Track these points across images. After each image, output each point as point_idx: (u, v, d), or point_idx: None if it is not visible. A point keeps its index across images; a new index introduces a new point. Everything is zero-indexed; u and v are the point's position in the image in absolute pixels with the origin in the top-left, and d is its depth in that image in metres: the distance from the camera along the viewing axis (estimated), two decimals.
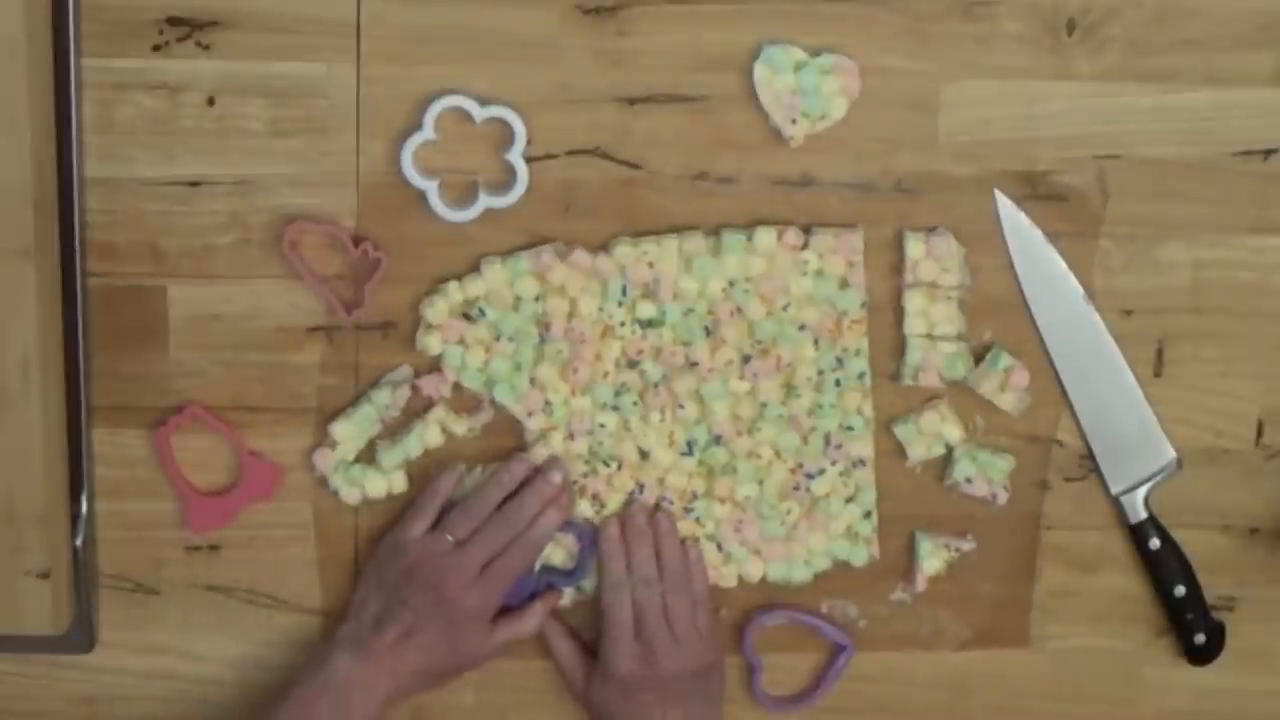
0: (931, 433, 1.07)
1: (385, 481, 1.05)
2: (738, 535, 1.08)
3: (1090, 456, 1.09)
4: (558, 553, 1.07)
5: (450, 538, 1.03)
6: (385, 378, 1.05)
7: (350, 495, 1.05)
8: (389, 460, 1.05)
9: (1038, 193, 1.05)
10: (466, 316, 1.03)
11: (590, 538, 1.07)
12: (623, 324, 1.04)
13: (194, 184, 1.01)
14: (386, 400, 1.04)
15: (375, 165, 1.02)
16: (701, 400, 1.05)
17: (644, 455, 1.06)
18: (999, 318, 1.07)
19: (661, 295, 1.03)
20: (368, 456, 1.06)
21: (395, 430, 1.05)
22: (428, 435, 1.05)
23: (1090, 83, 1.04)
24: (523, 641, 1.07)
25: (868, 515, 1.08)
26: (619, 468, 1.06)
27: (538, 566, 1.06)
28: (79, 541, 1.04)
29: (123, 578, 1.07)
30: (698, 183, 1.04)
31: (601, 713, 1.06)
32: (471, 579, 1.02)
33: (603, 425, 1.05)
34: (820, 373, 1.05)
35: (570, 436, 1.05)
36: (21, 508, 0.99)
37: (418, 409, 1.05)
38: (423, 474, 1.06)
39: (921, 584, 1.09)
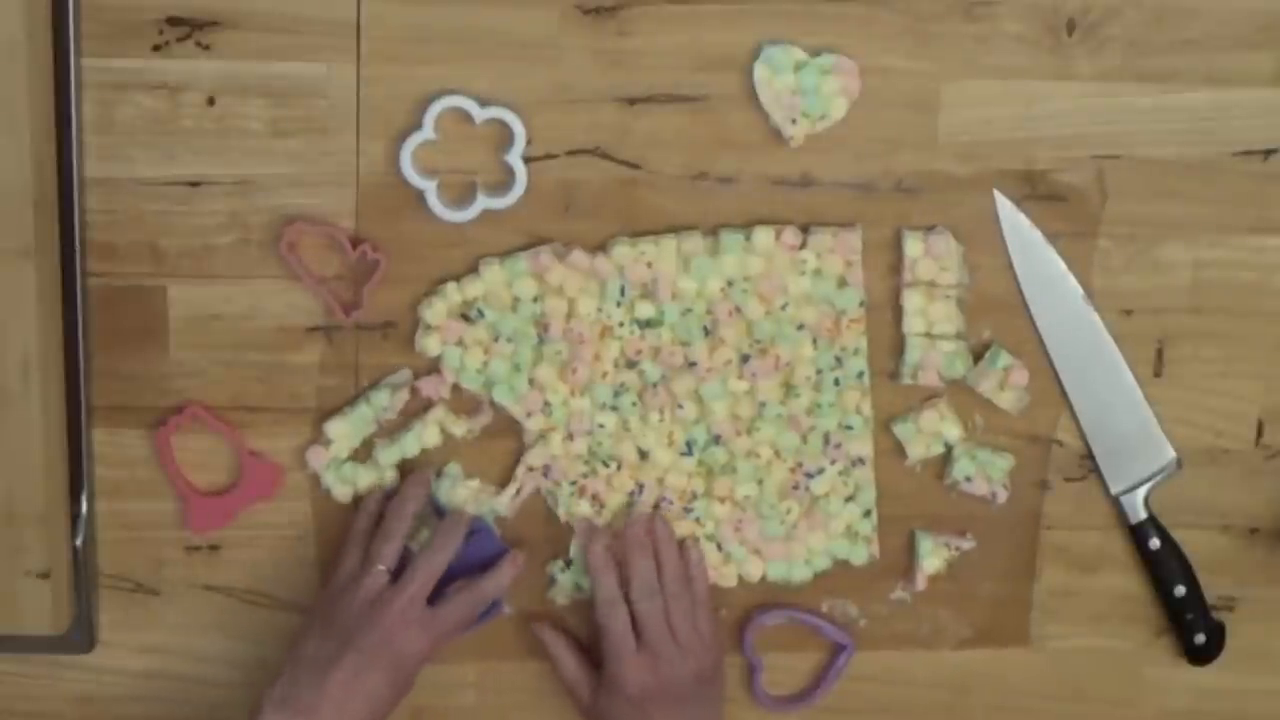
0: (931, 431, 1.07)
1: (378, 476, 1.05)
2: (737, 535, 1.08)
3: (1090, 456, 1.09)
4: None
5: (383, 567, 1.01)
6: (385, 380, 1.05)
7: (342, 493, 1.05)
8: (386, 458, 1.05)
9: (1037, 192, 1.05)
10: (465, 317, 1.03)
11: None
12: (621, 324, 1.04)
13: (194, 184, 1.01)
14: (385, 402, 1.04)
15: (375, 165, 1.02)
16: (700, 400, 1.05)
17: (643, 455, 1.06)
18: (998, 317, 1.07)
19: (660, 295, 1.03)
20: (361, 455, 1.06)
21: (394, 430, 1.05)
22: (426, 435, 1.05)
23: (1090, 83, 1.04)
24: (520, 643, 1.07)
25: (867, 514, 1.08)
26: (618, 468, 1.06)
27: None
28: (79, 541, 1.04)
29: (123, 578, 1.07)
30: (698, 183, 1.04)
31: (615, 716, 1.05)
32: (414, 617, 1.00)
33: (602, 425, 1.05)
34: (819, 372, 1.05)
35: (569, 437, 1.05)
36: (21, 508, 0.99)
37: (417, 410, 1.05)
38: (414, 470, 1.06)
39: (921, 583, 1.09)
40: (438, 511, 1.05)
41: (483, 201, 1.02)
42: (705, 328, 1.04)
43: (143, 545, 1.07)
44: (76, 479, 1.03)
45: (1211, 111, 1.05)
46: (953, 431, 1.07)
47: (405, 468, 1.06)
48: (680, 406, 1.05)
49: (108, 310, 1.03)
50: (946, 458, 1.08)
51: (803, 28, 1.02)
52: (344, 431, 1.04)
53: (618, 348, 1.04)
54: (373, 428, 1.05)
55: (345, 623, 0.99)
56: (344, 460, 1.05)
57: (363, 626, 0.99)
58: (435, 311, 1.03)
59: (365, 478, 1.05)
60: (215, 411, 1.04)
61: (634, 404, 1.05)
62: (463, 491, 1.06)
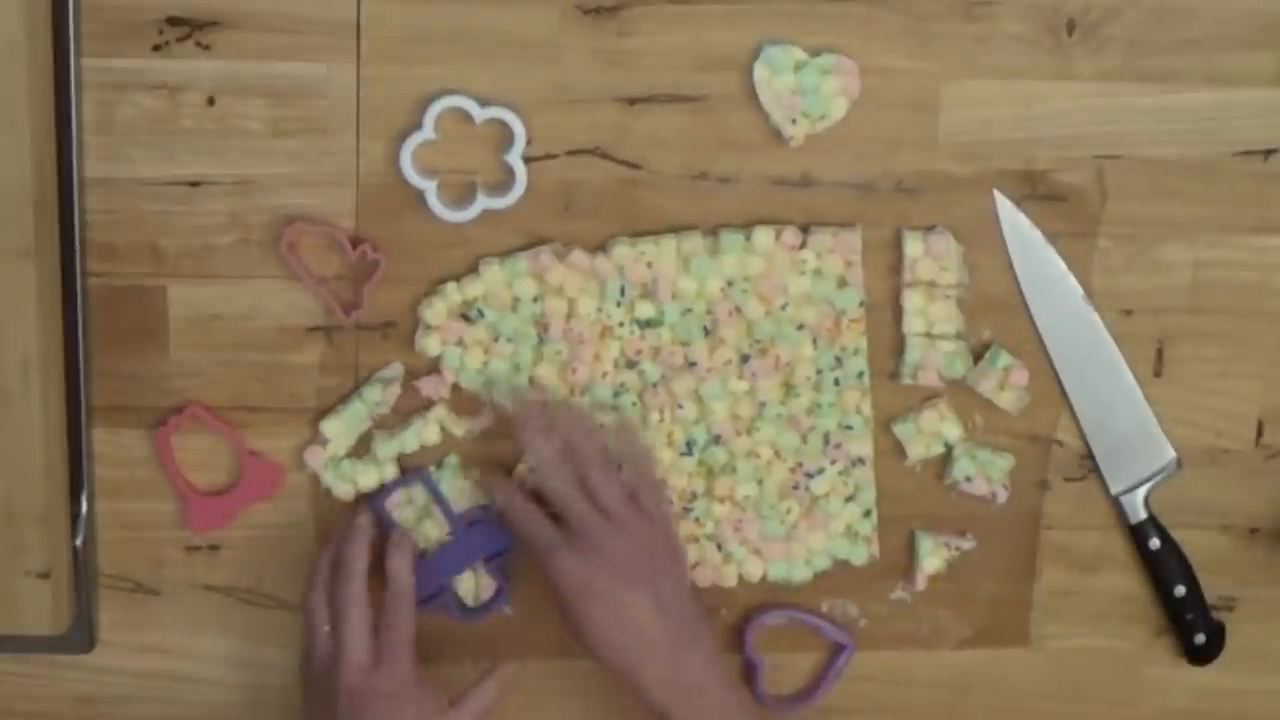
0: (931, 431, 1.07)
1: (377, 472, 1.05)
2: (737, 535, 1.08)
3: (1090, 456, 1.09)
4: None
5: (326, 628, 1.00)
6: (376, 375, 1.04)
7: (343, 491, 1.05)
8: (384, 452, 1.05)
9: (1037, 192, 1.05)
10: (465, 318, 1.03)
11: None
12: (621, 324, 1.04)
13: (194, 184, 1.01)
14: (377, 397, 1.04)
15: (375, 165, 1.02)
16: (700, 400, 1.05)
17: None
18: (998, 317, 1.07)
19: (660, 295, 1.03)
20: (360, 451, 1.05)
21: (393, 425, 1.05)
22: (426, 433, 1.05)
23: (1090, 83, 1.04)
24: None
25: (867, 514, 1.08)
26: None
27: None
28: (79, 541, 1.04)
29: (123, 578, 1.07)
30: (698, 183, 1.04)
31: (575, 624, 0.98)
32: (367, 661, 0.98)
33: (602, 426, 1.05)
34: (819, 372, 1.05)
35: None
36: (21, 508, 0.99)
37: (415, 408, 1.05)
38: (413, 467, 1.06)
39: (921, 583, 1.09)
40: (439, 502, 1.05)
41: (483, 201, 1.02)
42: (705, 328, 1.04)
43: (143, 545, 1.07)
44: (76, 479, 1.03)
45: (1212, 111, 1.05)
46: (953, 431, 1.07)
47: (404, 463, 1.06)
48: (680, 406, 1.05)
49: (108, 310, 1.03)
50: (946, 458, 1.08)
51: (803, 28, 1.02)
52: (340, 429, 1.04)
53: (618, 348, 1.04)
54: (368, 424, 1.05)
55: (323, 708, 0.99)
56: (342, 458, 1.05)
57: (338, 705, 0.97)
58: (435, 311, 1.03)
59: (365, 474, 1.05)
60: (215, 411, 1.04)
61: (634, 404, 1.05)
62: (462, 483, 1.06)
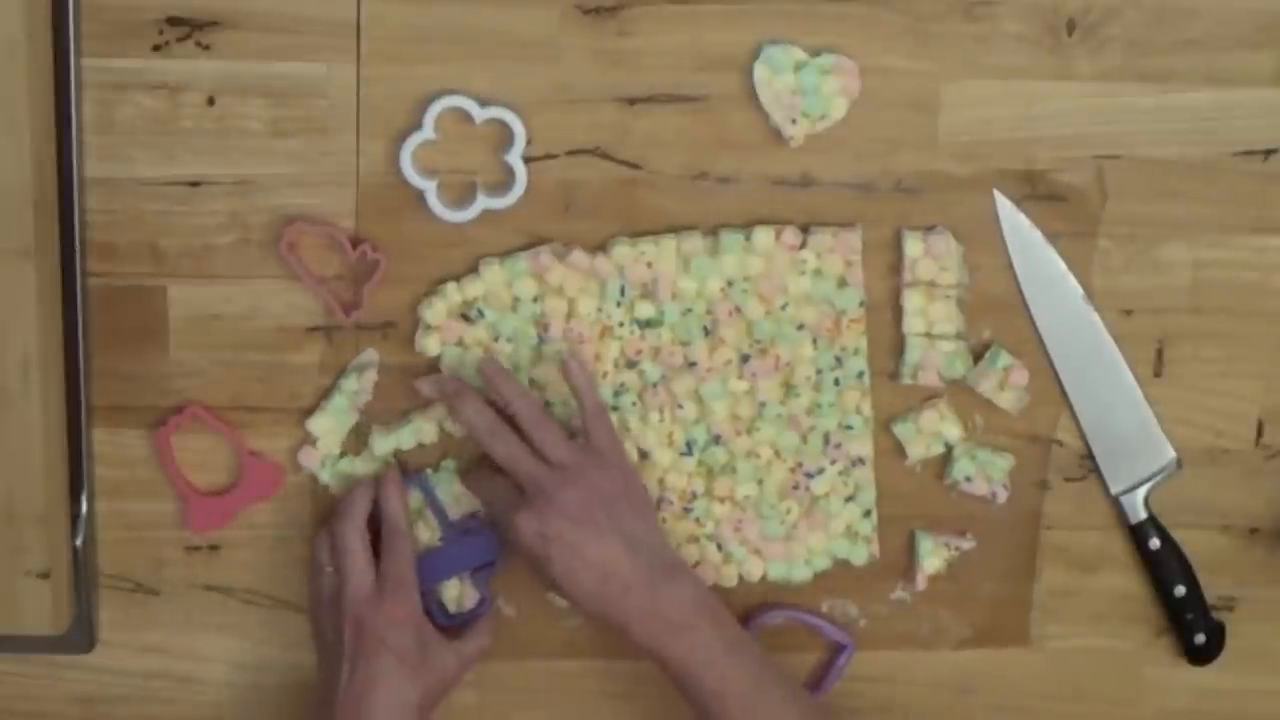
0: (931, 431, 1.07)
1: (375, 467, 1.05)
2: (737, 535, 1.08)
3: (1090, 456, 1.09)
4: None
5: (330, 569, 1.02)
6: (351, 364, 1.04)
7: (341, 489, 1.05)
8: (381, 446, 1.04)
9: (1037, 192, 1.05)
10: (465, 318, 1.03)
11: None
12: (621, 324, 1.04)
13: (194, 184, 1.01)
14: (355, 387, 1.04)
15: (375, 165, 1.02)
16: (700, 400, 1.05)
17: (643, 455, 1.06)
18: (998, 317, 1.07)
19: (660, 295, 1.03)
20: (354, 447, 1.05)
21: (388, 420, 1.05)
22: (423, 432, 1.05)
23: (1090, 83, 1.04)
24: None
25: (867, 514, 1.08)
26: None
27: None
28: (79, 541, 1.04)
29: (123, 578, 1.07)
30: (698, 183, 1.04)
31: (547, 578, 0.99)
32: (371, 592, 1.00)
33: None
34: (819, 372, 1.05)
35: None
36: (21, 508, 0.99)
37: (415, 406, 1.05)
38: (411, 468, 1.06)
39: (922, 583, 1.09)
40: (433, 507, 1.05)
41: (483, 201, 1.02)
42: (705, 328, 1.04)
43: (143, 545, 1.07)
44: (76, 479, 1.03)
45: (1212, 111, 1.05)
46: (953, 431, 1.07)
47: (402, 461, 1.06)
48: (680, 406, 1.05)
49: (108, 310, 1.03)
50: (946, 458, 1.08)
51: (803, 28, 1.02)
52: (327, 425, 1.04)
53: (618, 348, 1.04)
54: (354, 416, 1.05)
55: (333, 637, 1.01)
56: (338, 456, 1.05)
57: (344, 632, 0.99)
58: (435, 311, 1.03)
59: (362, 469, 1.05)
60: (215, 411, 1.04)
61: (634, 404, 1.05)
62: (459, 487, 1.06)
